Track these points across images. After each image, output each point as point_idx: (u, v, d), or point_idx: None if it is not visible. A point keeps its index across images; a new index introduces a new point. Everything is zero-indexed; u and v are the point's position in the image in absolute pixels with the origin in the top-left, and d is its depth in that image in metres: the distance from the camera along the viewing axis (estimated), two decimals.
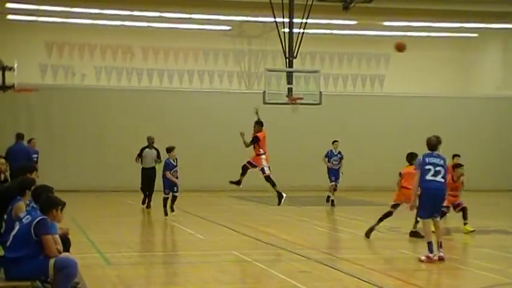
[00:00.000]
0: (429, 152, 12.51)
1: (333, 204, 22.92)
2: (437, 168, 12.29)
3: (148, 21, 31.67)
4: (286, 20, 21.53)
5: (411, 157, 14.94)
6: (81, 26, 31.20)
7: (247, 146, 16.96)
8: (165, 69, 33.23)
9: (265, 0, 21.72)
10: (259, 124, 17.08)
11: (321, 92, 21.19)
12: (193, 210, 20.67)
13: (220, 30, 32.94)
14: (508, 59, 33.69)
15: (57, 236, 8.60)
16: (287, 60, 21.58)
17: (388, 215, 15.17)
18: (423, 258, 12.17)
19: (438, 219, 12.67)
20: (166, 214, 18.97)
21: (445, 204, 14.39)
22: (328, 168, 23.27)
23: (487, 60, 34.92)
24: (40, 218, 8.43)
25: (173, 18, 31.49)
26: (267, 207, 22.05)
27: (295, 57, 21.68)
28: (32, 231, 8.33)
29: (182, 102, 29.71)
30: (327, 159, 23.27)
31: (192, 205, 21.87)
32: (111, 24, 31.55)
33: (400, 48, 17.44)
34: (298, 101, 21.18)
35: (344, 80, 34.79)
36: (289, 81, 21.04)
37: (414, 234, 15.25)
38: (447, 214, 16.21)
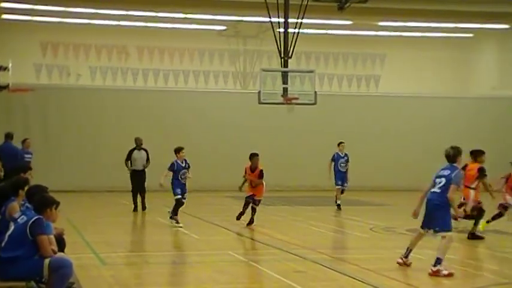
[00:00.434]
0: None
1: (339, 208, 21.73)
2: (439, 180, 11.50)
3: (143, 21, 31.62)
4: (282, 20, 21.54)
5: (476, 154, 15.63)
6: (76, 26, 31.12)
7: (259, 183, 17.07)
8: (160, 69, 33.19)
9: (261, 0, 21.74)
10: (257, 155, 17.16)
11: (316, 92, 21.21)
12: (189, 210, 20.61)
13: (216, 30, 32.90)
14: (503, 59, 33.74)
15: (52, 237, 8.56)
16: (282, 60, 21.58)
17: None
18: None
19: (440, 234, 11.37)
20: (178, 222, 17.19)
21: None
22: (334, 171, 21.95)
23: (482, 60, 34.95)
24: (36, 217, 8.40)
25: (168, 18, 31.49)
26: (263, 207, 22.01)
27: (291, 57, 21.69)
28: (28, 231, 8.29)
29: (177, 102, 29.66)
30: (333, 163, 21.94)
31: (187, 205, 21.81)
32: (106, 24, 31.50)
33: None
34: (294, 101, 21.19)
35: (339, 80, 34.77)
36: (285, 81, 21.03)
37: (473, 236, 15.47)
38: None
